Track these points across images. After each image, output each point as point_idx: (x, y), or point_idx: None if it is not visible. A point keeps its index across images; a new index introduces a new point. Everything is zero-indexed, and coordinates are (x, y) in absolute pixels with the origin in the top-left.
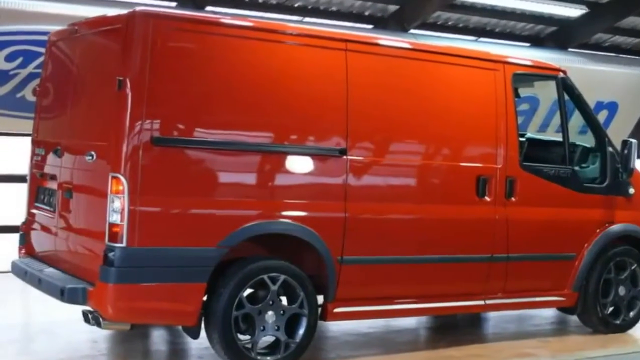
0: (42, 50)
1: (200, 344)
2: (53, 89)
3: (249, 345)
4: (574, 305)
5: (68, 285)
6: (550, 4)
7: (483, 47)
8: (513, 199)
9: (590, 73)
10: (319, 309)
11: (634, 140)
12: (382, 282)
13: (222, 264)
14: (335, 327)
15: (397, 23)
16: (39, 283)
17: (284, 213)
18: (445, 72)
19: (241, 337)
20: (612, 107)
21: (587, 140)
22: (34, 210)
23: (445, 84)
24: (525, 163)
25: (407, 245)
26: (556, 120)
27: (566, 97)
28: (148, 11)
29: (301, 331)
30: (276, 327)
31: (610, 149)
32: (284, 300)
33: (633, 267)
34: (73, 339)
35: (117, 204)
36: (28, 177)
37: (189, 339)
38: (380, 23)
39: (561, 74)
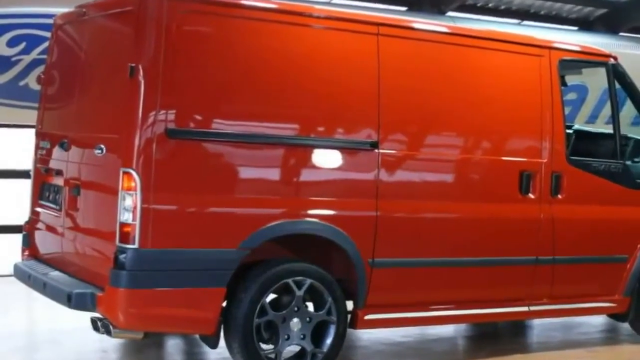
0: (47, 34)
1: (219, 354)
2: (59, 76)
3: (273, 356)
4: (625, 311)
5: (75, 290)
6: None
7: (527, 31)
8: (559, 196)
9: None
10: (349, 316)
11: None
12: (417, 287)
13: (243, 266)
14: (366, 336)
15: (433, 5)
16: (43, 288)
17: (310, 212)
18: (486, 58)
19: (264, 346)
20: None
21: None
22: (39, 209)
23: (485, 71)
24: (572, 157)
25: (444, 247)
26: (606, 110)
27: (617, 85)
28: None
29: (329, 340)
30: (302, 336)
31: None
32: (310, 306)
33: None
34: (81, 349)
35: (128, 201)
36: (32, 173)
37: (206, 349)
38: (415, 5)
39: (612, 60)
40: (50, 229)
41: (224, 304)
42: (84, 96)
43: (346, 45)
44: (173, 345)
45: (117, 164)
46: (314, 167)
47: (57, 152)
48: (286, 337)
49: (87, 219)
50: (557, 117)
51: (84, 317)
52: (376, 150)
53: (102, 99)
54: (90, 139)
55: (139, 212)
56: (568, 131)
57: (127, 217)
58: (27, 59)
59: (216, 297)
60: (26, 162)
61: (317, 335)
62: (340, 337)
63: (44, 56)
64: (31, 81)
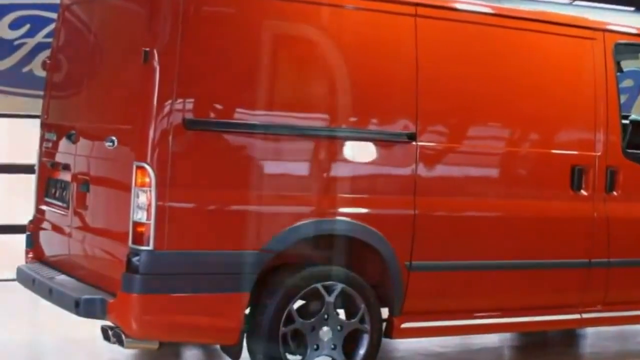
0: (53, 15)
1: None
2: (66, 62)
3: None
4: None
5: (84, 296)
6: None
7: (579, 11)
8: (614, 193)
9: None
10: (383, 325)
11: None
12: (459, 292)
13: (268, 270)
14: (402, 346)
15: None
16: (49, 293)
17: (342, 210)
18: (534, 41)
19: (290, 357)
20: None
21: None
22: (44, 207)
23: (533, 56)
24: (629, 150)
25: (488, 249)
26: None
27: None
28: None
29: (362, 351)
30: (332, 346)
31: None
32: (341, 313)
33: None
34: None
35: (142, 198)
36: (37, 167)
37: None
38: None
39: None
40: (56, 228)
41: (247, 311)
42: (93, 83)
43: (380, 27)
44: (191, 356)
45: (130, 158)
46: (345, 161)
47: (64, 144)
48: (315, 347)
49: (97, 217)
50: (612, 106)
51: (94, 326)
52: (414, 143)
53: (114, 86)
54: (101, 130)
55: (154, 211)
56: (624, 122)
57: (140, 215)
58: (31, 42)
59: (238, 304)
60: (30, 155)
61: (349, 346)
62: (374, 347)
63: (50, 40)
64: (36, 67)
